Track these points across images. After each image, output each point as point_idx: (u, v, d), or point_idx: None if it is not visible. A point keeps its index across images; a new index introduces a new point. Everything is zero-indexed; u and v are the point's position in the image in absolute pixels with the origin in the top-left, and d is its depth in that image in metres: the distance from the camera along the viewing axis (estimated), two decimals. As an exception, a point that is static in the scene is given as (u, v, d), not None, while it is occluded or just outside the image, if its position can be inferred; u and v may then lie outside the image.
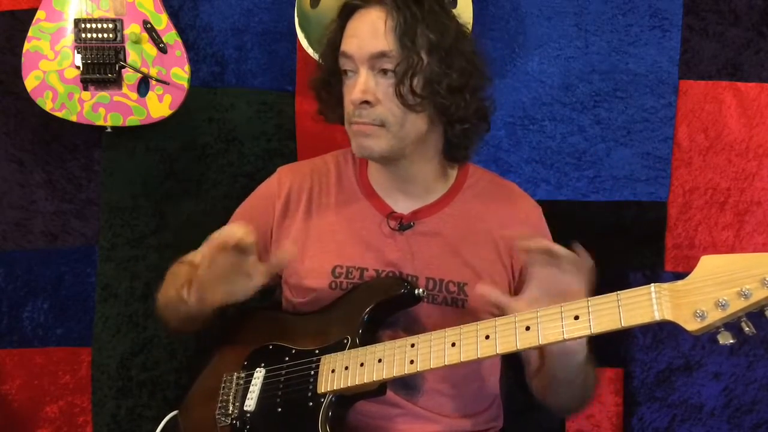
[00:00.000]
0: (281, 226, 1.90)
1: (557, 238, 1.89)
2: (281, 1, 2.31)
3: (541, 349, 1.66)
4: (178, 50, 2.16)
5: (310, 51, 2.16)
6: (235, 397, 1.82)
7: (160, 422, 2.04)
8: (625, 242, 2.35)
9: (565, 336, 1.42)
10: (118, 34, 2.13)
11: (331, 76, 1.81)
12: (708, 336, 2.26)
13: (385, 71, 1.71)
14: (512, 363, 1.90)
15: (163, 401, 2.42)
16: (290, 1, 2.18)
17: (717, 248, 2.32)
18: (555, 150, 2.34)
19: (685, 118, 2.32)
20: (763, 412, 2.35)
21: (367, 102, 1.70)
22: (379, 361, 1.63)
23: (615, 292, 1.39)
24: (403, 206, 1.84)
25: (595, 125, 2.33)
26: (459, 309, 1.78)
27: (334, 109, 1.84)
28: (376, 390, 1.65)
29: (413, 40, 1.71)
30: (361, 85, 1.70)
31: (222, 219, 2.06)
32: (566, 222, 2.28)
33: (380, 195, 1.86)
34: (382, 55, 1.70)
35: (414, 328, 1.77)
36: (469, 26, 2.06)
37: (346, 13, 1.77)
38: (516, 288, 1.85)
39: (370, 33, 1.71)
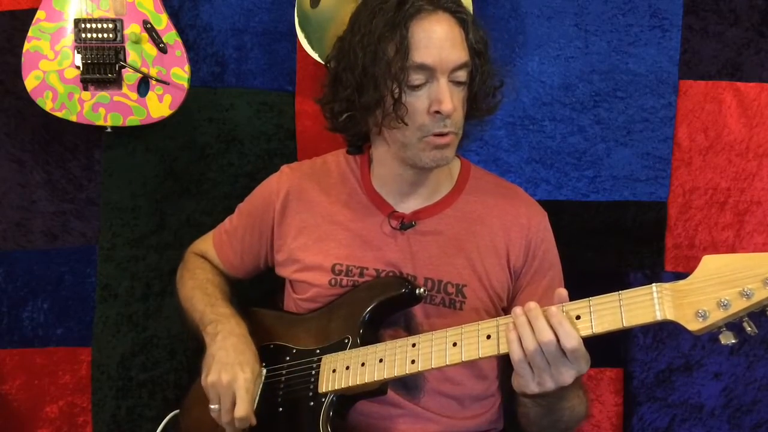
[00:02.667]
0: (282, 224, 1.91)
1: (557, 238, 1.91)
2: (281, 1, 2.30)
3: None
4: (178, 50, 2.15)
5: (310, 51, 2.15)
6: (235, 397, 1.82)
7: (160, 422, 2.04)
8: (625, 242, 2.35)
9: (565, 335, 1.42)
10: (118, 34, 2.13)
11: (377, 89, 1.69)
12: (708, 336, 2.28)
13: (460, 83, 1.71)
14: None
15: (163, 401, 2.42)
16: (290, 1, 2.18)
17: (717, 248, 2.32)
18: (555, 150, 2.34)
19: (685, 118, 2.32)
20: (763, 412, 2.36)
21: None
22: (380, 360, 1.64)
23: (617, 292, 1.39)
24: (404, 206, 1.85)
25: (595, 125, 2.33)
26: (457, 311, 1.78)
27: (358, 123, 1.80)
28: (377, 390, 1.65)
29: (482, 47, 1.72)
30: (449, 95, 1.66)
31: (222, 219, 2.08)
32: (566, 222, 2.30)
33: (382, 195, 1.86)
34: (463, 66, 1.69)
35: (414, 328, 1.78)
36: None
37: (406, 17, 1.67)
38: (514, 292, 1.86)
39: (450, 42, 1.68)
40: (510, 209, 1.87)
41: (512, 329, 1.45)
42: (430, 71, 1.66)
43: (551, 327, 1.41)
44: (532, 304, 1.44)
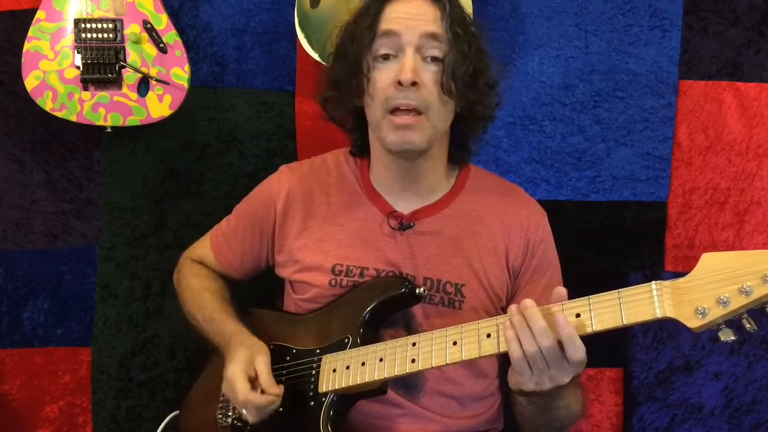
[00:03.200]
0: (283, 226, 1.90)
1: (557, 238, 1.90)
2: (281, 1, 2.31)
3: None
4: (178, 50, 2.16)
5: (310, 51, 2.16)
6: (236, 397, 1.82)
7: (160, 422, 2.04)
8: (625, 242, 2.35)
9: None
10: (118, 34, 2.13)
11: (353, 66, 1.74)
12: (708, 336, 2.29)
13: (433, 59, 1.70)
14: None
15: (163, 401, 2.42)
16: (290, 1, 2.18)
17: (717, 248, 2.32)
18: (555, 150, 2.34)
19: (685, 118, 2.32)
20: (763, 412, 2.35)
21: (414, 84, 1.67)
22: (381, 360, 1.64)
23: (616, 290, 1.39)
24: (404, 206, 1.84)
25: (595, 125, 2.33)
26: (456, 310, 1.78)
27: (345, 104, 1.81)
28: (378, 389, 1.65)
29: (463, 30, 1.72)
30: (410, 63, 1.67)
31: (222, 219, 2.07)
32: (566, 222, 2.30)
33: (382, 194, 1.86)
34: (433, 37, 1.69)
35: (413, 328, 1.78)
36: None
37: (381, 3, 1.74)
38: (513, 291, 1.85)
39: (421, 14, 1.70)
40: (509, 209, 1.87)
41: (509, 327, 1.44)
42: (396, 40, 1.69)
43: (556, 334, 1.40)
44: (528, 302, 1.43)
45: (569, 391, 1.58)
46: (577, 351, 1.40)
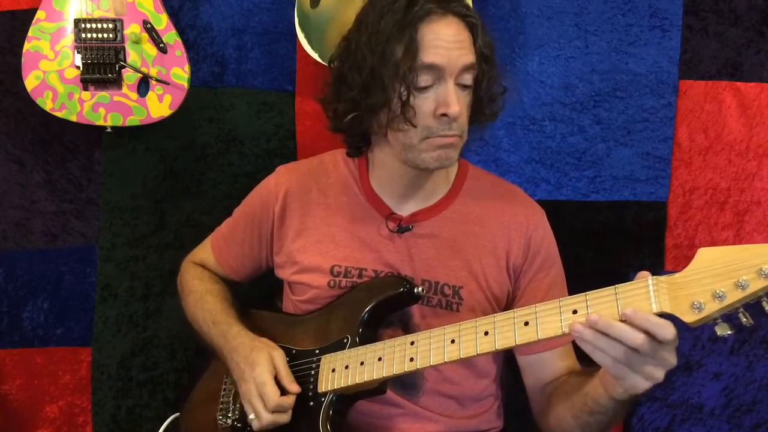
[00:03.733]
0: (281, 227, 1.90)
1: (557, 238, 1.90)
2: (281, 1, 2.31)
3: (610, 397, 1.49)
4: (178, 50, 2.16)
5: (310, 51, 2.16)
6: (236, 399, 1.83)
7: (160, 422, 2.05)
8: (625, 242, 2.35)
9: (564, 331, 1.42)
10: (118, 34, 2.14)
11: (382, 90, 1.67)
12: (708, 336, 2.28)
13: (466, 86, 1.69)
14: (513, 363, 1.91)
15: (163, 401, 2.42)
16: (290, 1, 2.18)
17: (717, 247, 2.32)
18: (555, 150, 2.34)
19: (685, 118, 2.32)
20: (763, 412, 2.35)
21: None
22: (379, 359, 1.64)
23: (613, 286, 1.38)
24: (402, 208, 1.84)
25: (595, 125, 2.33)
26: (453, 312, 1.78)
27: (360, 121, 1.77)
28: (377, 389, 1.65)
29: (489, 50, 1.70)
30: (456, 98, 1.65)
31: (222, 219, 2.08)
32: (566, 222, 2.30)
33: (381, 197, 1.86)
34: (469, 68, 1.67)
35: (411, 329, 1.78)
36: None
37: (415, 19, 1.65)
38: (515, 292, 1.85)
39: (459, 41, 1.66)
40: (508, 209, 1.87)
41: (584, 342, 1.37)
42: (438, 72, 1.64)
43: (638, 328, 1.32)
44: (595, 317, 1.34)
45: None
46: (665, 328, 1.30)
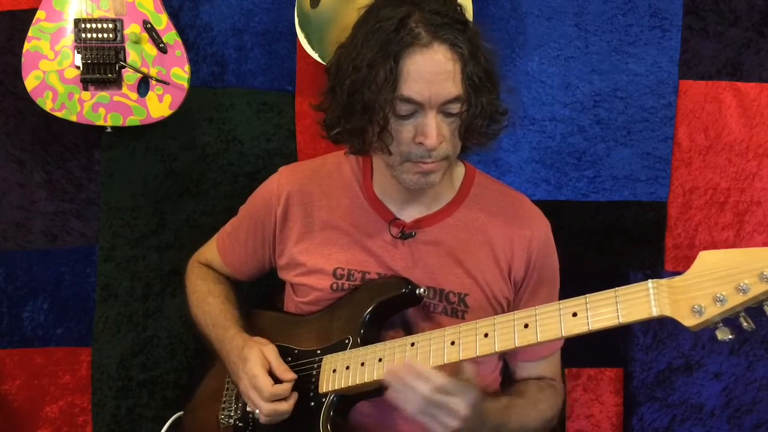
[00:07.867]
0: (283, 230, 1.89)
1: (557, 238, 1.90)
2: (281, 1, 2.30)
3: None
4: (178, 50, 2.16)
5: (310, 51, 2.15)
6: (238, 398, 1.83)
7: (160, 422, 2.05)
8: (625, 242, 2.35)
9: (564, 333, 1.42)
10: (118, 34, 2.13)
11: (365, 113, 1.64)
12: (708, 336, 2.28)
13: (450, 114, 1.64)
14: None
15: (163, 401, 2.42)
16: (290, 1, 2.18)
17: (717, 248, 2.29)
18: (555, 150, 2.34)
19: (685, 118, 2.32)
20: (763, 412, 2.35)
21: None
22: (380, 360, 1.63)
23: (613, 289, 1.38)
24: (406, 214, 1.82)
25: (595, 125, 2.33)
26: (459, 320, 1.77)
27: (349, 135, 1.73)
28: (377, 389, 1.64)
29: (481, 82, 1.64)
30: (435, 130, 1.60)
31: (222, 219, 2.07)
32: (566, 222, 2.30)
33: (384, 202, 1.84)
34: (455, 99, 1.61)
35: (415, 331, 1.77)
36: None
37: (400, 46, 1.59)
38: (515, 302, 1.84)
39: (442, 77, 1.59)
40: (513, 220, 1.84)
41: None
42: (417, 105, 1.61)
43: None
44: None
45: (520, 408, 1.71)
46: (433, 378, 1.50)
